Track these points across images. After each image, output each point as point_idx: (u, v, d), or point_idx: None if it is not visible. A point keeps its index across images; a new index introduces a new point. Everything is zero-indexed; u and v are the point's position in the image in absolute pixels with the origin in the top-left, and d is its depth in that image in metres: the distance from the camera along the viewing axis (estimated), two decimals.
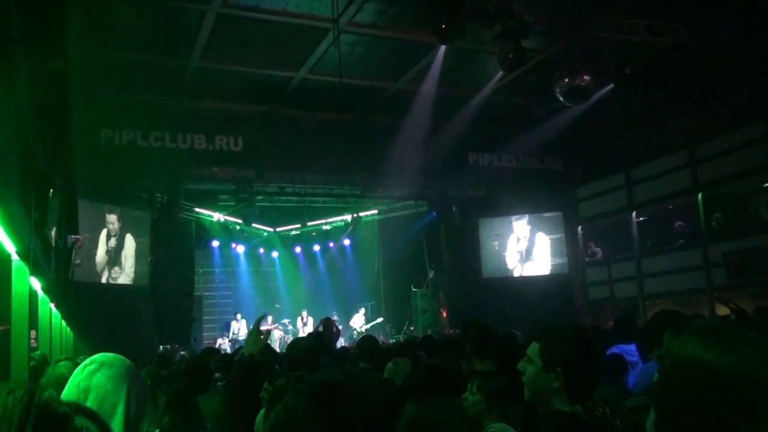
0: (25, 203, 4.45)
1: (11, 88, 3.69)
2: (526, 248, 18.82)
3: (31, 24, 4.12)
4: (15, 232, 4.05)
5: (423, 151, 16.29)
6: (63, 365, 2.96)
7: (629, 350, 5.80)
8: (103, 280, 14.15)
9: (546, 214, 18.92)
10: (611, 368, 5.16)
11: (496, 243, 19.02)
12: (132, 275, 14.84)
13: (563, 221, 18.74)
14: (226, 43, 12.97)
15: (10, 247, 4.48)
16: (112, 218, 14.32)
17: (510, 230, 18.99)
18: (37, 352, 6.09)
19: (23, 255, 4.70)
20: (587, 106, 14.51)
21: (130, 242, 14.71)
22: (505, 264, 18.94)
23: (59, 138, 5.90)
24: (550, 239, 18.76)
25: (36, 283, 5.95)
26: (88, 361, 2.34)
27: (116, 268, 14.47)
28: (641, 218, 17.08)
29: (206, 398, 5.07)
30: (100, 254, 14.10)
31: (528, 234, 18.87)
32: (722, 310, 10.25)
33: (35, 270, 5.18)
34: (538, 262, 18.75)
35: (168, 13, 11.76)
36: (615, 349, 5.83)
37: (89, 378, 2.32)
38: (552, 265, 18.70)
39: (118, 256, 14.50)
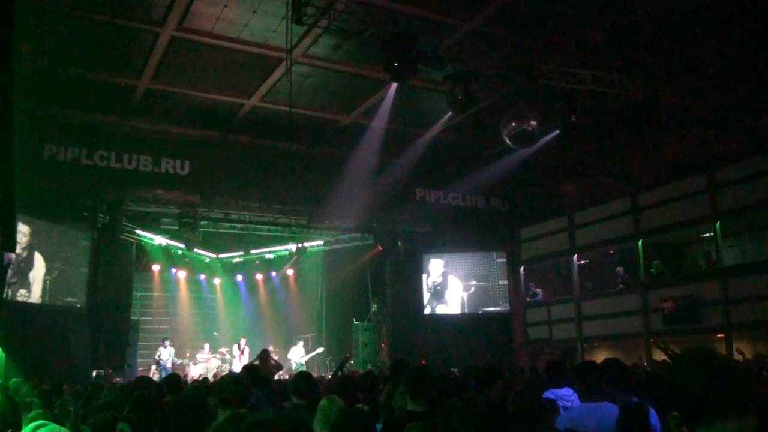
0: None
1: None
2: (468, 284, 18.94)
3: None
4: None
5: (371, 185, 16.40)
6: None
7: (563, 395, 5.84)
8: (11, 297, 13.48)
9: (488, 253, 19.11)
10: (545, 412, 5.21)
11: (439, 280, 19.11)
12: (46, 293, 14.20)
13: (506, 261, 18.96)
14: (178, 66, 12.93)
15: None
16: (22, 233, 13.71)
17: (452, 268, 19.10)
18: None
19: None
20: (534, 150, 14.82)
21: (39, 259, 14.15)
22: (446, 301, 19.02)
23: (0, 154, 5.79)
24: (492, 278, 18.93)
25: None
26: None
27: (22, 285, 13.84)
28: (582, 261, 17.44)
29: None
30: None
31: (470, 272, 19.01)
32: (658, 355, 10.51)
33: None
34: (481, 298, 18.88)
35: (121, 33, 11.67)
36: (549, 394, 5.88)
37: None
38: (494, 302, 18.85)
39: (25, 272, 13.92)
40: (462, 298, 18.86)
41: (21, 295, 13.30)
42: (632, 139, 15.32)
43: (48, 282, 14.08)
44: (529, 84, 12.25)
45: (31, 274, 13.70)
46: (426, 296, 19.10)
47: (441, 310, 18.94)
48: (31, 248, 13.69)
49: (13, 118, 6.15)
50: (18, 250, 12.90)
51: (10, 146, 6.31)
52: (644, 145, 15.27)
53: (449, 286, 18.94)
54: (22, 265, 13.51)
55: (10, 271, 12.31)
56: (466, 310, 18.73)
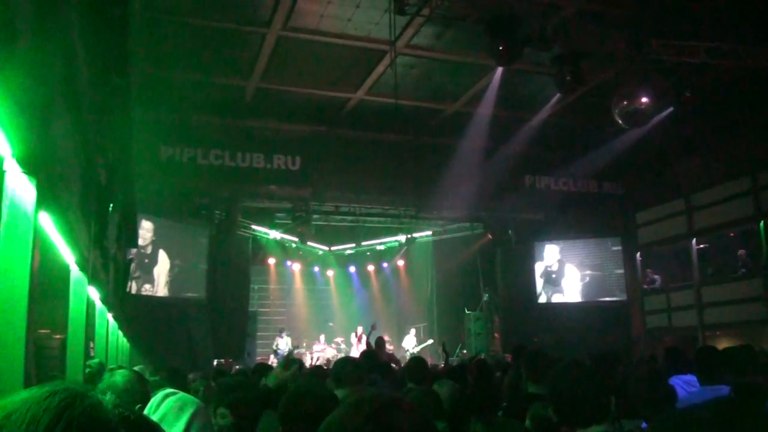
0: (86, 216, 4.60)
1: (74, 103, 3.85)
2: (583, 273, 18.48)
3: (94, 43, 4.29)
4: (74, 243, 4.19)
5: (479, 173, 16.24)
6: (119, 374, 2.99)
7: (689, 380, 5.56)
8: (133, 291, 14.13)
9: (603, 241, 18.56)
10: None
11: (555, 267, 18.72)
12: (172, 287, 14.93)
13: (622, 247, 18.36)
14: (285, 64, 13.21)
15: (69, 258, 4.63)
16: (146, 229, 14.36)
17: (566, 255, 18.69)
18: (94, 360, 6.25)
19: (81, 265, 4.86)
20: (647, 129, 14.23)
21: (163, 254, 14.85)
22: (560, 289, 18.63)
23: (121, 155, 6.10)
24: (607, 265, 18.38)
25: (94, 294, 6.12)
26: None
27: (147, 280, 14.55)
28: (701, 245, 16.63)
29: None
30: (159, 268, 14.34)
31: (584, 259, 18.54)
32: None
33: (93, 281, 5.34)
34: (595, 288, 18.38)
35: (229, 36, 12.06)
36: (675, 380, 5.62)
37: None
38: (609, 292, 18.29)
39: (150, 268, 14.64)
40: (586, 285, 18.42)
41: (146, 289, 14.06)
42: (751, 114, 14.39)
43: (171, 277, 14.81)
44: (640, 61, 11.74)
45: (156, 270, 14.45)
46: (540, 283, 18.76)
47: (557, 298, 18.55)
48: (154, 244, 14.44)
49: (132, 120, 6.50)
50: (141, 244, 13.67)
51: (130, 148, 6.67)
52: (765, 119, 14.30)
53: (566, 273, 18.53)
54: (147, 261, 14.27)
55: (132, 266, 13.04)
56: (581, 299, 18.27)
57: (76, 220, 4.01)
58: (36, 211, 2.84)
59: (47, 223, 3.45)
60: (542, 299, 18.63)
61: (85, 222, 4.58)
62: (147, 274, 14.18)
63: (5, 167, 2.70)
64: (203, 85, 13.89)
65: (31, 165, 2.71)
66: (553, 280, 18.55)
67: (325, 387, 2.89)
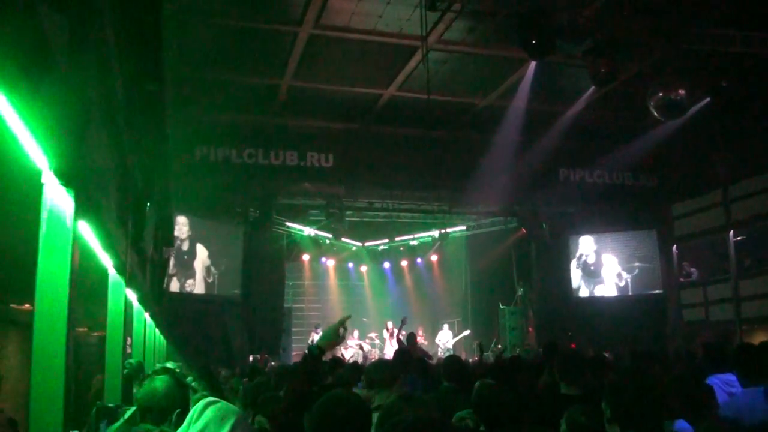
0: (122, 221, 4.69)
1: (109, 111, 3.92)
2: (618, 267, 18.27)
3: (128, 52, 4.35)
4: (111, 249, 4.29)
5: (512, 167, 16.14)
6: (159, 379, 3.04)
7: (728, 380, 5.42)
8: (174, 288, 14.38)
9: (639, 232, 18.33)
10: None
11: (588, 261, 18.55)
12: (209, 284, 15.14)
13: (657, 240, 18.12)
14: (317, 62, 13.26)
15: (108, 262, 4.73)
16: (183, 225, 14.64)
17: (602, 248, 18.50)
18: (133, 360, 6.37)
19: (119, 269, 4.97)
20: (682, 120, 14.00)
21: (202, 250, 15.08)
22: (596, 282, 18.44)
23: (156, 158, 6.19)
24: (643, 258, 18.15)
25: (132, 294, 6.25)
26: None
27: (188, 276, 14.80)
28: (739, 237, 16.31)
29: None
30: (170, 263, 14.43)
31: (620, 252, 18.33)
32: None
33: (130, 283, 5.45)
34: (630, 282, 18.17)
35: (262, 35, 12.15)
36: (714, 380, 5.48)
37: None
38: (645, 285, 18.07)
39: (189, 264, 14.86)
40: (623, 279, 18.21)
41: (189, 285, 14.32)
42: None
43: (207, 275, 15.02)
44: (675, 51, 11.56)
45: (195, 265, 14.69)
46: (576, 276, 18.58)
47: (599, 291, 18.36)
48: (191, 240, 14.67)
49: (167, 125, 6.58)
50: (178, 236, 13.92)
51: (166, 152, 6.75)
52: None
53: (604, 264, 18.33)
54: (186, 257, 14.51)
55: (171, 263, 13.26)
56: (630, 293, 18.08)
57: (113, 227, 4.09)
58: (75, 221, 2.92)
59: (86, 230, 3.53)
60: (583, 293, 18.42)
61: (123, 227, 4.67)
62: (188, 270, 14.45)
63: (44, 180, 2.78)
64: (236, 84, 13.99)
65: (68, 177, 2.79)
66: (591, 272, 18.35)
67: (357, 394, 2.91)
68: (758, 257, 15.92)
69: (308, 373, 3.14)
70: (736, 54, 11.52)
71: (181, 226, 14.43)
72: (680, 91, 11.95)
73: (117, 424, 4.13)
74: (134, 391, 5.76)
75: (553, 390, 5.68)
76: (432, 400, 5.09)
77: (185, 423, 2.63)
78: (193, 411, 2.84)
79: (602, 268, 18.31)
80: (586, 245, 18.51)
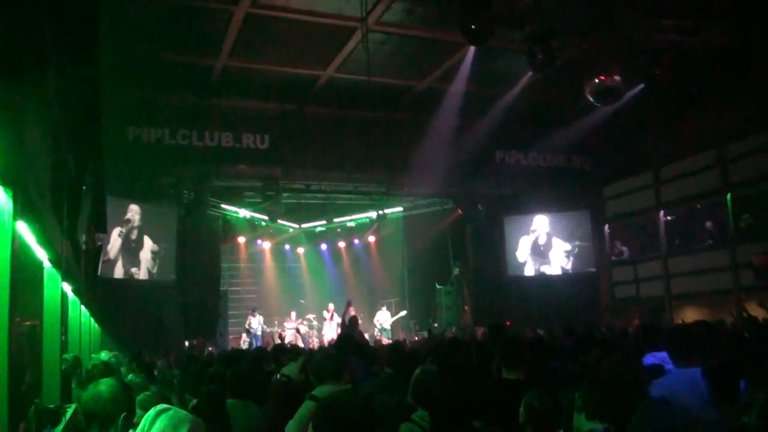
0: (57, 212, 4.49)
1: (44, 101, 3.72)
2: (551, 246, 18.64)
3: (62, 35, 4.15)
4: (47, 242, 4.10)
5: (450, 149, 16.23)
6: (104, 383, 2.94)
7: (664, 358, 5.67)
8: (117, 275, 14.12)
9: (571, 212, 18.73)
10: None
11: (521, 241, 18.86)
12: (151, 270, 14.87)
13: (590, 220, 18.57)
14: (253, 42, 13.01)
15: (43, 255, 4.54)
16: (133, 212, 14.34)
17: (535, 228, 18.82)
18: (69, 355, 6.16)
19: (55, 262, 4.77)
20: (616, 105, 14.32)
21: (147, 238, 14.77)
22: (530, 262, 18.78)
23: (90, 143, 5.96)
24: (576, 238, 18.57)
25: (66, 286, 6.03)
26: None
27: (134, 264, 14.50)
28: (669, 217, 16.91)
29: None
30: (115, 248, 14.14)
31: (553, 232, 18.70)
32: (756, 311, 10.11)
33: (66, 276, 5.25)
34: (564, 261, 18.57)
35: (196, 14, 11.80)
36: (651, 358, 5.75)
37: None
38: (577, 264, 18.50)
39: (136, 251, 14.57)
40: (566, 257, 18.58)
41: (134, 272, 14.03)
42: (719, 89, 14.54)
43: (156, 260, 14.73)
44: (611, 38, 11.79)
45: (141, 252, 14.36)
46: (524, 254, 18.87)
47: (545, 270, 18.67)
48: (141, 228, 14.31)
49: (101, 107, 6.34)
50: (129, 228, 13.63)
51: (99, 136, 6.50)
52: (731, 94, 14.45)
53: (553, 245, 18.67)
54: (133, 245, 14.18)
55: (115, 250, 12.96)
56: (570, 271, 18.48)
57: (50, 222, 3.91)
58: (13, 221, 2.80)
59: (23, 227, 3.37)
60: (530, 271, 18.71)
61: (58, 220, 4.47)
62: (134, 257, 14.17)
63: None
64: (170, 64, 13.60)
65: (5, 178, 2.65)
66: (540, 252, 18.66)
67: (360, 398, 2.86)
68: (687, 236, 16.51)
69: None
70: (670, 41, 11.82)
71: (134, 213, 14.08)
72: (615, 77, 12.24)
73: (59, 428, 3.99)
74: (73, 386, 5.58)
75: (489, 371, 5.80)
76: (375, 388, 5.11)
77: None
78: (145, 420, 2.76)
79: (551, 249, 18.62)
80: (539, 225, 18.76)
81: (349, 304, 13.46)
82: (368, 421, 2.24)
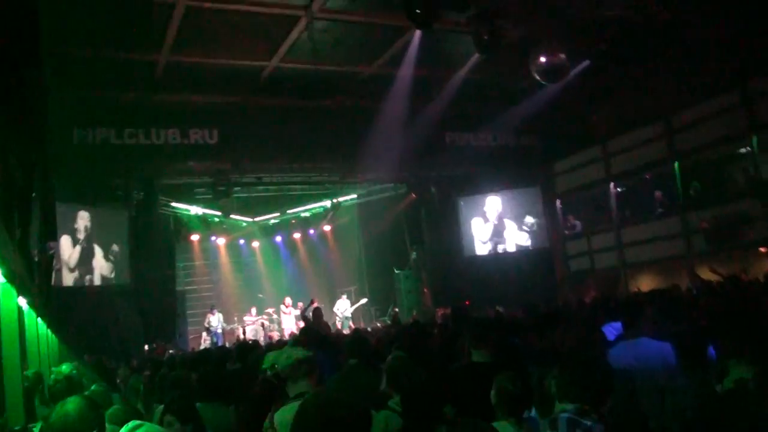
0: (8, 225, 4.31)
1: None
2: (505, 226, 18.81)
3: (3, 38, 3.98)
4: (1, 259, 3.93)
5: (400, 134, 16.16)
6: (71, 402, 2.83)
7: (619, 327, 5.86)
8: (71, 282, 13.73)
9: (523, 190, 18.91)
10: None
11: (476, 221, 18.99)
12: (105, 276, 14.52)
13: (541, 196, 18.79)
14: (196, 35, 12.73)
15: None
16: (83, 219, 13.97)
17: (488, 208, 18.96)
18: (30, 371, 5.95)
19: (9, 277, 4.58)
20: (562, 83, 14.46)
21: (99, 243, 14.41)
22: (485, 241, 18.93)
23: (37, 149, 5.75)
24: (528, 214, 18.77)
25: (22, 300, 5.81)
26: None
27: (87, 270, 14.16)
28: (619, 189, 17.22)
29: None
30: (68, 256, 13.76)
31: (506, 210, 18.86)
32: (707, 275, 10.45)
33: (21, 290, 5.06)
34: (518, 238, 18.77)
35: (136, 8, 11.46)
36: (610, 328, 5.96)
37: None
38: (532, 240, 18.72)
39: (88, 258, 14.20)
40: (522, 235, 18.74)
41: (87, 279, 13.67)
42: (663, 61, 14.81)
43: (110, 265, 14.38)
44: (556, 17, 11.86)
45: (94, 258, 13.99)
46: (480, 234, 18.94)
47: (501, 248, 18.82)
48: (90, 235, 13.93)
49: (47, 109, 6.12)
50: (80, 237, 13.29)
51: (44, 139, 6.29)
52: (675, 65, 14.73)
53: (507, 224, 18.81)
54: (86, 252, 13.82)
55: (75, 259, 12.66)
56: (526, 248, 18.65)
57: (1, 237, 3.74)
58: None
59: None
60: (486, 250, 18.81)
61: (9, 234, 4.29)
62: (88, 264, 13.82)
63: None
64: (112, 61, 13.18)
65: None
66: (495, 231, 18.79)
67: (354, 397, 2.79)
68: (638, 206, 16.85)
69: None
70: (614, 17, 11.95)
71: (84, 219, 13.70)
72: (561, 55, 12.33)
73: None
74: (36, 403, 5.41)
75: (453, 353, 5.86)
76: (342, 381, 5.09)
77: None
78: None
79: (505, 229, 18.77)
80: (492, 206, 18.87)
81: (312, 302, 13.33)
82: (366, 422, 2.19)
